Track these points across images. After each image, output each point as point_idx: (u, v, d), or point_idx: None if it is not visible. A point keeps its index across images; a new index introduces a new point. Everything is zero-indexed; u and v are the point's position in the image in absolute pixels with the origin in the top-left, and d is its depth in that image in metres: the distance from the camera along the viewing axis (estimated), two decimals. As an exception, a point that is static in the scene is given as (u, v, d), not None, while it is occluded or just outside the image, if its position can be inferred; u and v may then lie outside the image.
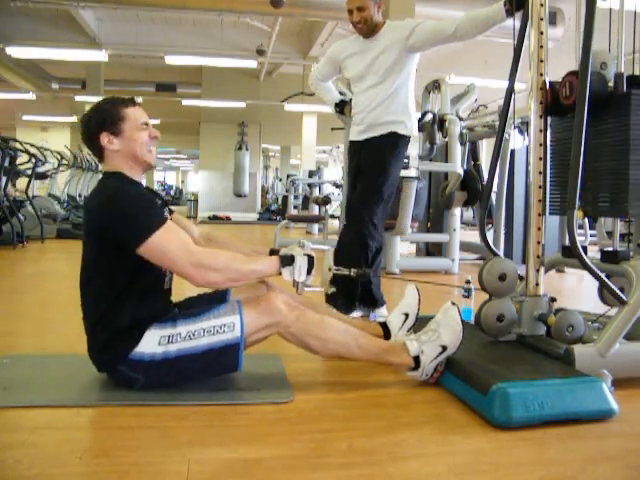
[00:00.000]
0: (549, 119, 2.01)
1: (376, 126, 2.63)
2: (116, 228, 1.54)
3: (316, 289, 1.75)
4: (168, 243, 1.53)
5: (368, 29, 2.59)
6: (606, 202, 1.93)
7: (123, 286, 1.60)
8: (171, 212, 1.80)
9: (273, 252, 1.79)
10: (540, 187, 1.98)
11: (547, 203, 2.00)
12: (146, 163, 1.69)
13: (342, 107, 2.99)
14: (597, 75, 1.85)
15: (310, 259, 1.66)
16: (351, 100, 2.85)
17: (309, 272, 1.66)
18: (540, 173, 1.98)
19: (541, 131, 1.98)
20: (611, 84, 1.86)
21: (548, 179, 2.02)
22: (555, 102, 1.96)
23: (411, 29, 2.52)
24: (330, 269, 1.80)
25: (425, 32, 2.51)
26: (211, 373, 1.65)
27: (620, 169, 1.85)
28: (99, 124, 1.63)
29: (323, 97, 3.04)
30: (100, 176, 1.72)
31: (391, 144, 2.62)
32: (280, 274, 1.64)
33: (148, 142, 1.68)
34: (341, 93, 3.11)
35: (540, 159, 1.98)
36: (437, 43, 2.57)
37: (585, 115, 1.77)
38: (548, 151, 2.02)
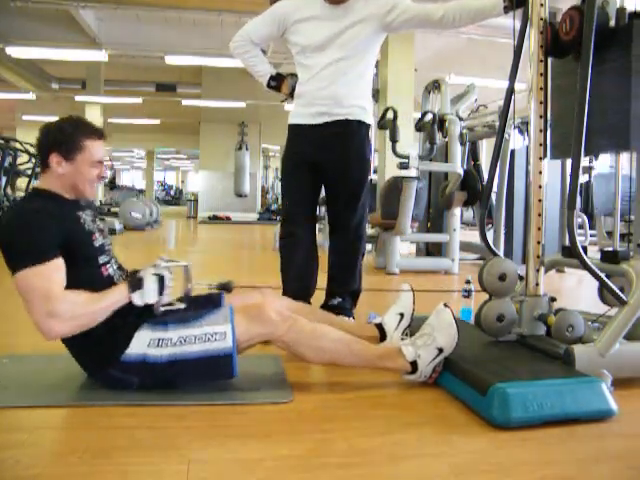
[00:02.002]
0: (549, 62, 1.97)
1: (341, 107, 2.31)
2: (4, 247, 1.54)
3: (178, 306, 1.68)
4: (34, 282, 1.48)
5: None
6: (607, 137, 1.89)
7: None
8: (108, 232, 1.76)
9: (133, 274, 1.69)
10: (540, 187, 1.97)
11: (548, 147, 1.96)
12: (84, 196, 1.68)
13: (279, 82, 2.50)
14: (598, 9, 1.82)
15: (160, 278, 1.59)
16: (292, 75, 2.47)
17: (161, 292, 1.59)
18: (540, 173, 1.98)
19: (541, 131, 1.97)
20: (612, 23, 1.84)
21: (549, 123, 1.98)
22: (555, 41, 1.91)
23: (391, 5, 2.28)
24: (190, 284, 1.72)
25: (408, 12, 2.29)
26: (205, 379, 1.66)
27: (622, 102, 1.82)
28: (55, 144, 1.60)
29: (253, 67, 2.47)
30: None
31: (366, 135, 2.41)
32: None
33: (94, 180, 1.66)
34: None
35: (540, 159, 1.98)
36: (419, 26, 2.37)
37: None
38: (548, 96, 1.97)
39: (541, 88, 1.96)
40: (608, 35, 1.83)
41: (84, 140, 1.62)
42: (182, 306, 1.69)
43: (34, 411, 1.48)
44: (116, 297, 1.57)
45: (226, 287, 1.83)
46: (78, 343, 1.60)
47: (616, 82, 1.85)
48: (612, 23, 1.84)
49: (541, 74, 1.96)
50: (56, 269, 1.52)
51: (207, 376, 1.63)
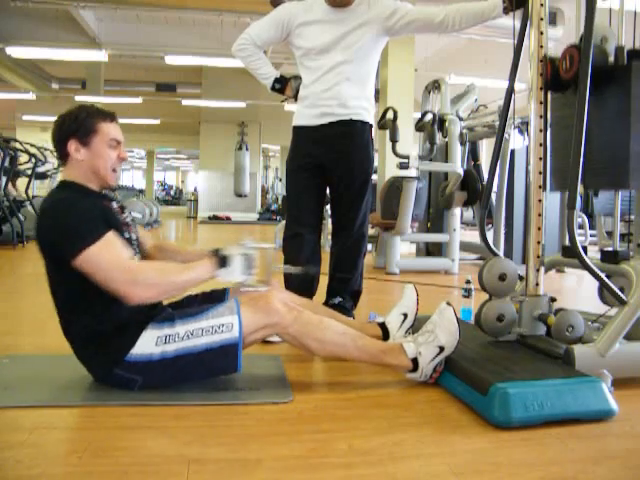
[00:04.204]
0: (549, 95, 1.98)
1: (345, 108, 2.34)
2: (53, 239, 1.53)
3: (259, 289, 1.70)
4: (102, 257, 1.49)
5: None
6: (607, 175, 1.91)
7: (90, 294, 1.56)
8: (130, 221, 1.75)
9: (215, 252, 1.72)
10: (540, 187, 1.98)
11: (547, 179, 1.97)
12: (106, 182, 1.67)
13: (283, 84, 2.49)
14: (598, 48, 1.83)
15: (247, 258, 1.62)
16: (295, 77, 2.49)
17: (247, 272, 1.62)
18: (540, 173, 1.98)
19: (541, 131, 1.97)
20: (611, 58, 1.85)
21: (549, 155, 1.99)
22: (555, 77, 1.93)
23: (392, 9, 2.31)
24: (272, 267, 1.75)
25: (409, 15, 2.31)
26: (210, 373, 1.65)
27: (621, 141, 1.83)
28: (70, 131, 1.61)
29: (257, 69, 2.46)
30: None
31: (369, 135, 2.43)
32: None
33: (114, 162, 1.66)
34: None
35: (540, 159, 1.98)
36: (420, 30, 2.38)
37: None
38: (548, 128, 1.99)
39: (540, 130, 1.96)
40: (607, 73, 1.84)
41: (97, 123, 1.63)
42: (264, 288, 1.70)
43: (34, 411, 1.48)
44: (201, 272, 1.59)
45: (307, 271, 1.95)
46: (85, 344, 1.60)
47: (616, 120, 1.86)
48: (611, 59, 1.84)
49: (541, 74, 1.96)
50: (116, 239, 1.55)
51: (212, 368, 1.62)
